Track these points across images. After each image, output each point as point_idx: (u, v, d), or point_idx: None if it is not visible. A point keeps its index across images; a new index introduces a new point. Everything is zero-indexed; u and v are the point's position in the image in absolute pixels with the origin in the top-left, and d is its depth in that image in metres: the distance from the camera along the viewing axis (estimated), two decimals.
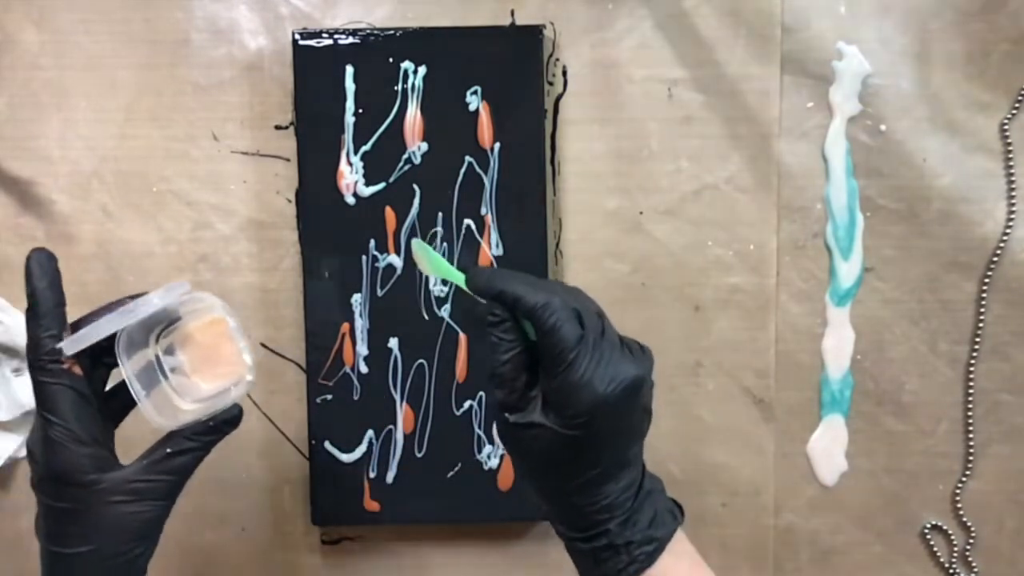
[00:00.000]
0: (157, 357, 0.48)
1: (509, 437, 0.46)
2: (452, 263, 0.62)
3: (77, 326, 0.47)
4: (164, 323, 0.49)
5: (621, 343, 0.45)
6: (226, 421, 0.48)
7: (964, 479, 0.64)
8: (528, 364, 0.45)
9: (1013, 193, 0.62)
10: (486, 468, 0.63)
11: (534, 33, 0.61)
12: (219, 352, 0.49)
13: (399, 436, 0.63)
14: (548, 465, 0.45)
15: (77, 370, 0.46)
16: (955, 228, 0.63)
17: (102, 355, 0.48)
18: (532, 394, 0.45)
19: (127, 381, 0.47)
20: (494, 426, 0.46)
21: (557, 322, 0.43)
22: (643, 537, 0.45)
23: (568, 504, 0.45)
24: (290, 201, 0.64)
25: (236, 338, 0.48)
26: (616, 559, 0.44)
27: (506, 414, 0.45)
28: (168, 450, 0.47)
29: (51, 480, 0.46)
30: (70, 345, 0.46)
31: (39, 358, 0.46)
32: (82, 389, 0.46)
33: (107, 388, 0.50)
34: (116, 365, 0.47)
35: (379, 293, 0.62)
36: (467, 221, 0.62)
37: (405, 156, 0.62)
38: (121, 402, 0.50)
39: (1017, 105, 0.62)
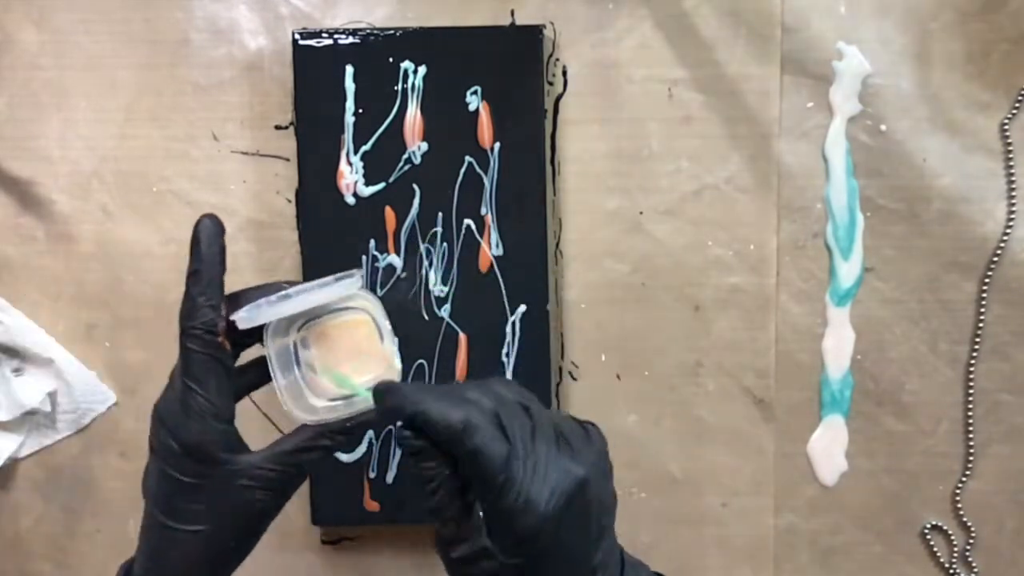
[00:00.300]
0: (295, 346, 0.46)
1: (457, 573, 0.42)
2: (452, 264, 0.62)
3: (232, 301, 0.46)
4: (307, 315, 0.47)
5: (557, 437, 0.41)
6: (363, 423, 0.45)
7: (964, 479, 0.64)
8: (464, 486, 0.41)
9: (1013, 193, 0.62)
10: None
11: (534, 33, 0.61)
12: (357, 353, 0.47)
13: None
14: None
15: (227, 345, 0.44)
16: (955, 228, 0.63)
17: (238, 335, 0.46)
18: (474, 522, 0.41)
19: (271, 366, 0.45)
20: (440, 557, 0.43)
21: (479, 444, 0.39)
22: None
23: None
24: (290, 201, 0.64)
25: (386, 341, 0.46)
26: None
27: (448, 549, 0.41)
28: (302, 443, 0.45)
29: (182, 452, 0.43)
30: (246, 319, 0.44)
31: (195, 325, 0.44)
32: (228, 365, 0.45)
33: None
34: (247, 347, 0.47)
35: (379, 293, 0.62)
36: (467, 221, 0.62)
37: (405, 156, 0.62)
38: (244, 384, 0.48)
39: (1017, 105, 0.62)
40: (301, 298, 0.45)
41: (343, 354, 0.46)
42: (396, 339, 0.46)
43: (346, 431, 0.45)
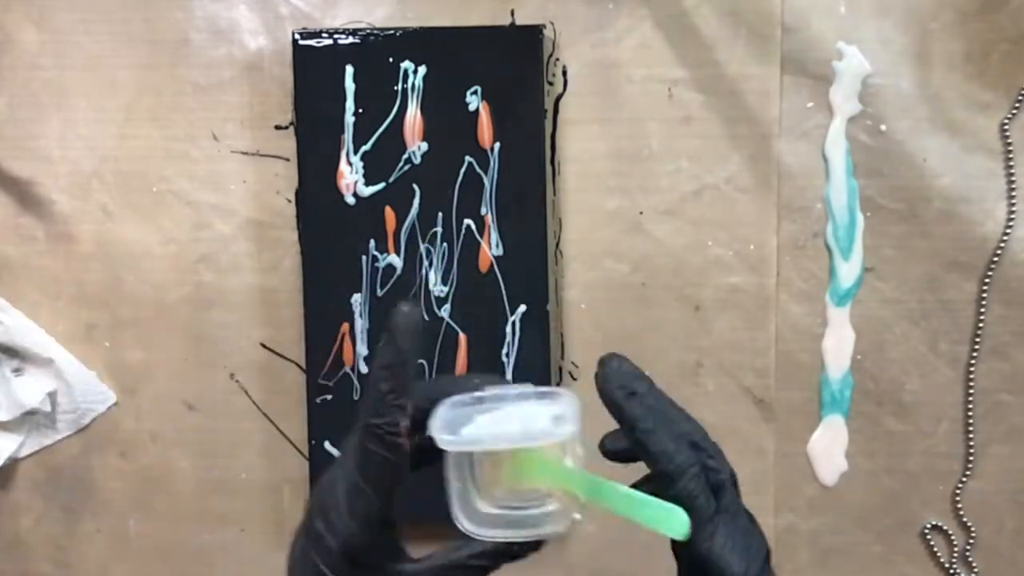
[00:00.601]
0: None
1: None
2: (452, 264, 0.62)
3: (422, 390, 0.40)
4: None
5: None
6: (530, 548, 0.40)
7: (964, 479, 0.64)
8: None
9: (1013, 193, 0.62)
10: None
11: (534, 33, 0.61)
12: (535, 462, 0.39)
13: None
14: None
15: (407, 445, 0.39)
16: (955, 228, 0.63)
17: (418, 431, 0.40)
18: None
19: (446, 477, 0.39)
20: None
21: (690, 490, 0.39)
22: None
23: None
24: (290, 201, 0.64)
25: (573, 463, 0.39)
26: None
27: None
28: (466, 560, 0.40)
29: (339, 553, 0.39)
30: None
31: (379, 425, 0.39)
32: (405, 467, 0.39)
33: None
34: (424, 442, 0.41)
35: (379, 293, 0.62)
36: (467, 221, 0.62)
37: (405, 156, 0.62)
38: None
39: (1017, 105, 0.62)
40: (506, 413, 0.39)
41: (526, 461, 0.39)
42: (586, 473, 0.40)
43: (511, 554, 0.40)
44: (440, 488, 0.63)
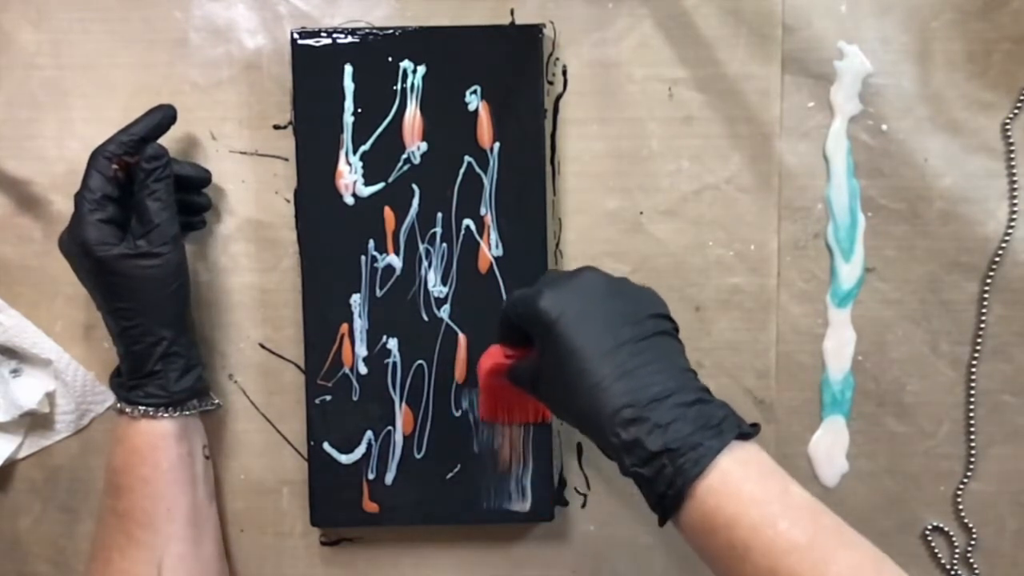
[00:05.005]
0: None
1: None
2: (452, 265, 0.62)
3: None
4: None
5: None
6: (151, 157, 0.57)
7: (965, 480, 0.64)
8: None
9: (1015, 193, 0.62)
10: None
11: (534, 32, 0.61)
12: None
13: (398, 437, 0.62)
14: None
15: (120, 175, 0.58)
16: (957, 228, 0.62)
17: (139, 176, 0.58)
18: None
19: None
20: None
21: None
22: (685, 444, 0.44)
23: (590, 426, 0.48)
24: (289, 201, 0.63)
25: None
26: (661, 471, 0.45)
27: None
28: (145, 199, 0.57)
29: (78, 251, 0.57)
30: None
31: (102, 151, 0.57)
32: (113, 180, 0.57)
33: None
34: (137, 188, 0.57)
35: (378, 293, 0.62)
36: (466, 221, 0.62)
37: (404, 156, 0.61)
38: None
39: (1019, 105, 0.62)
40: None
41: None
42: None
43: (148, 173, 0.57)
44: (441, 492, 0.62)
